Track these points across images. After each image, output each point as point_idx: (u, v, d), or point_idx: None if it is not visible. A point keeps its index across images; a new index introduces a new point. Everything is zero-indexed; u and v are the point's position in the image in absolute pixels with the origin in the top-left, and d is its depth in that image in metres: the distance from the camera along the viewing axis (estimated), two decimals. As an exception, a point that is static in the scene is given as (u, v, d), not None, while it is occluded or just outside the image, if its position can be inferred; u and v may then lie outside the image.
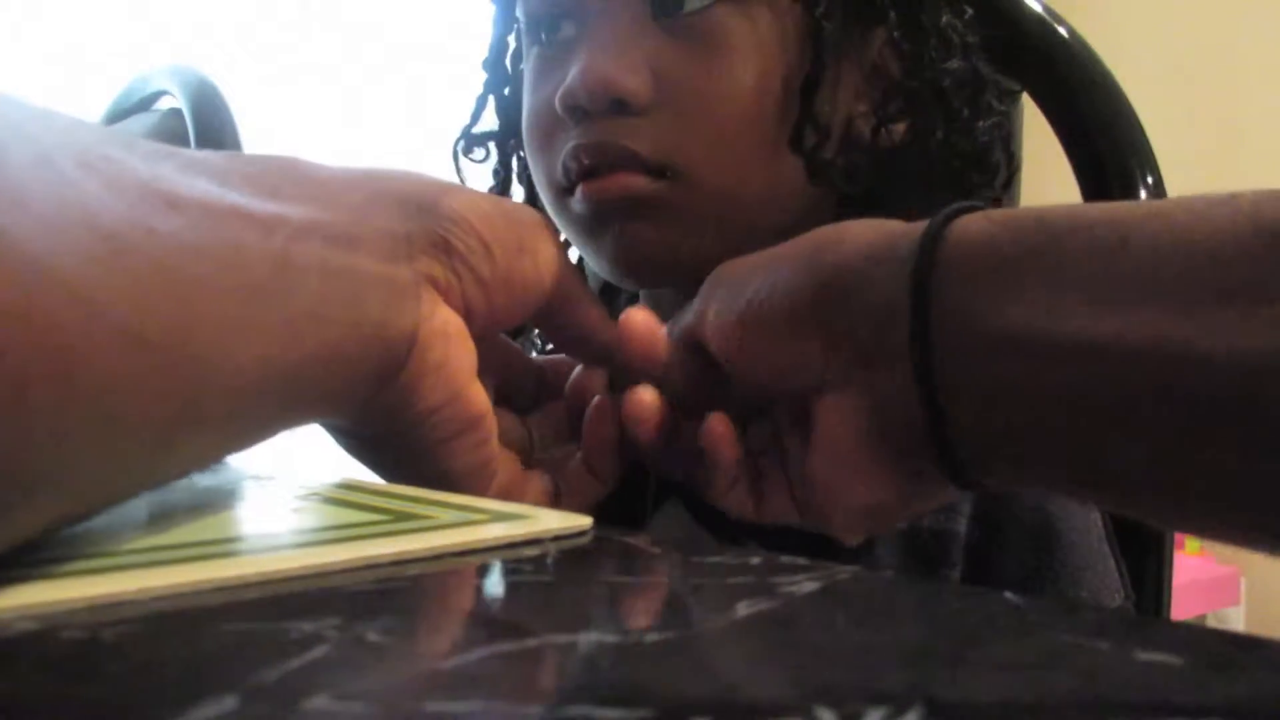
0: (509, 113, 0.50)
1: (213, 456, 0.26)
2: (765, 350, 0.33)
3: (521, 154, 0.50)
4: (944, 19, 0.44)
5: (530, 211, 0.37)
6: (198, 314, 0.22)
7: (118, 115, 0.99)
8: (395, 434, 0.33)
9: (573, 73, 0.40)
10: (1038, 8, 0.54)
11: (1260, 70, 2.09)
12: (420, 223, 0.32)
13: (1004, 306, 0.27)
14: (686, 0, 0.41)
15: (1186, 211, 0.25)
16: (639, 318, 0.36)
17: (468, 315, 0.34)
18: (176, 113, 0.91)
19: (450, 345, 0.33)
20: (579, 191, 0.42)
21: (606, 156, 0.41)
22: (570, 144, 0.41)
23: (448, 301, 0.33)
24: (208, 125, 0.86)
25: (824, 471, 0.32)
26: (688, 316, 0.37)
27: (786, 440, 0.35)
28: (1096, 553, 0.43)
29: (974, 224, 0.29)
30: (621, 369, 0.38)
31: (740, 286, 0.34)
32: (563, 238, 0.44)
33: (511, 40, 0.50)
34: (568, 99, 0.41)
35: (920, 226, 0.29)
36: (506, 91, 0.51)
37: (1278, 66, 2.07)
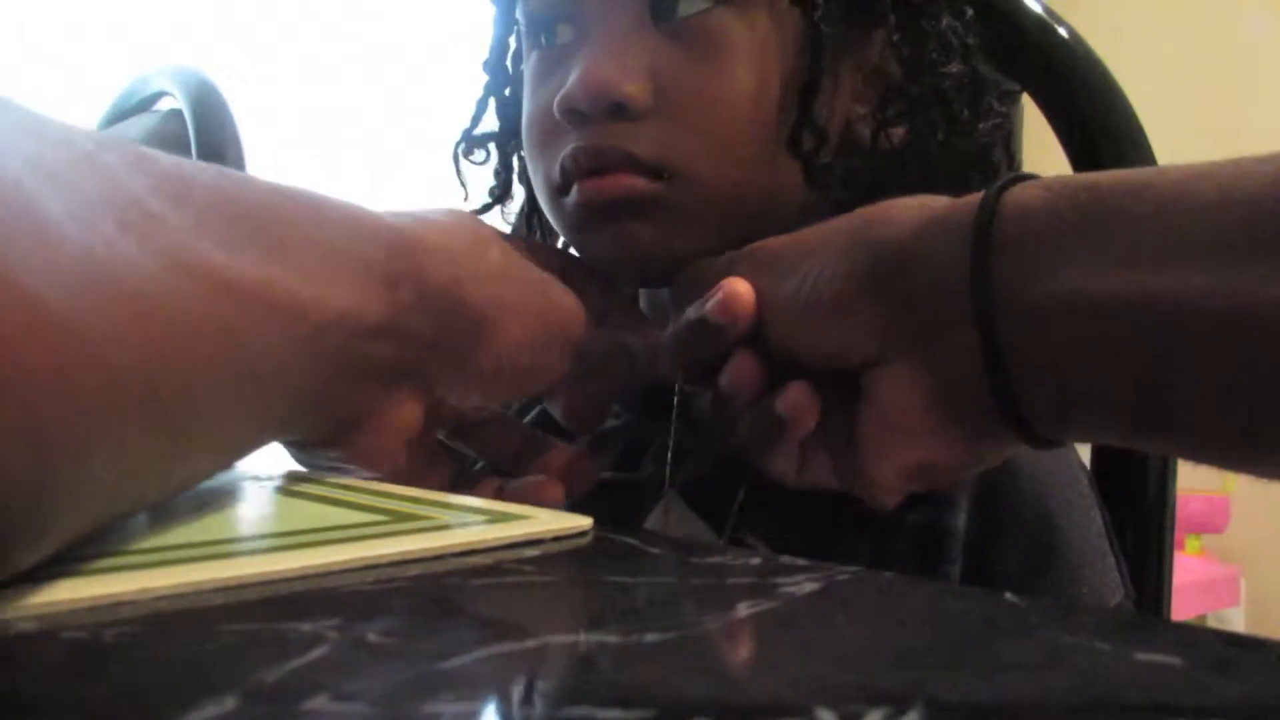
0: (509, 114, 0.50)
1: (178, 492, 0.27)
2: (823, 332, 0.33)
3: (522, 154, 0.50)
4: (944, 22, 0.44)
5: (570, 325, 0.40)
6: (204, 387, 0.24)
7: (118, 116, 0.99)
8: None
9: (571, 77, 0.40)
10: (1038, 8, 0.54)
11: (1260, 70, 2.09)
12: (458, 340, 0.35)
13: (1060, 270, 0.28)
14: (682, 4, 0.41)
15: (1232, 171, 0.25)
16: (743, 288, 0.36)
17: (440, 401, 0.37)
18: (177, 114, 0.91)
19: (390, 435, 0.36)
20: (575, 189, 0.42)
21: (605, 159, 0.41)
22: (569, 147, 0.41)
23: (431, 392, 0.36)
24: (208, 126, 0.86)
25: (878, 436, 0.33)
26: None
27: (831, 418, 0.35)
28: (1096, 550, 0.43)
29: (1029, 192, 0.29)
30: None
31: (787, 270, 0.34)
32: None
33: (512, 41, 0.50)
34: (566, 104, 0.41)
35: (972, 200, 0.30)
36: (507, 93, 0.51)
37: (1278, 66, 2.07)
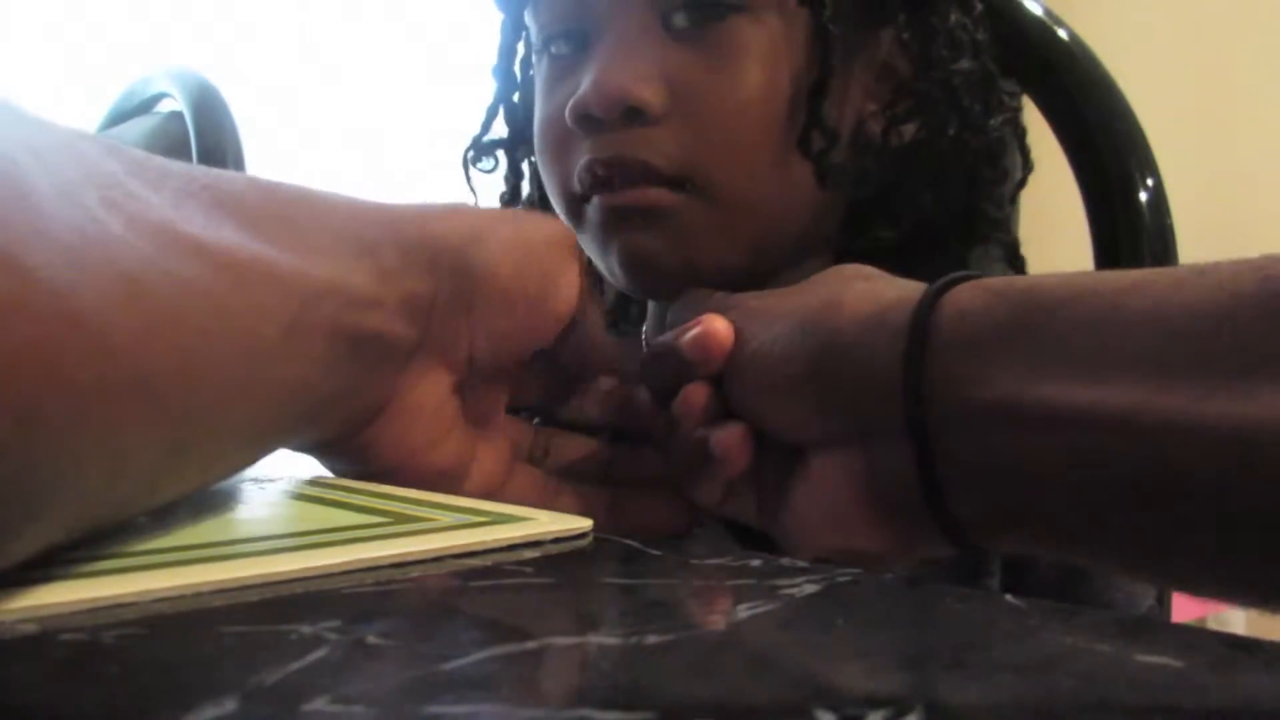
0: (518, 120, 0.50)
1: (194, 488, 0.27)
2: (767, 406, 0.33)
3: (532, 160, 0.50)
4: (953, 18, 0.43)
5: (559, 237, 0.37)
6: (202, 369, 0.23)
7: (118, 118, 0.99)
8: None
9: (585, 83, 0.40)
10: (1038, 10, 0.54)
11: (1260, 70, 2.09)
12: (449, 282, 0.33)
13: (993, 377, 0.27)
14: (691, 8, 0.41)
15: (1169, 283, 0.25)
16: (723, 328, 0.34)
17: (470, 360, 0.35)
18: (177, 115, 0.91)
19: (416, 418, 0.34)
20: (596, 201, 0.41)
21: (623, 170, 0.41)
22: (585, 159, 0.41)
23: (453, 353, 0.34)
24: (208, 128, 0.86)
25: (807, 512, 0.32)
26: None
27: (766, 464, 0.34)
28: None
29: (968, 294, 0.29)
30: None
31: (756, 331, 0.34)
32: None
33: (520, 47, 0.50)
34: (580, 110, 0.40)
35: (914, 296, 0.29)
36: (515, 99, 0.50)
37: (1278, 66, 2.07)
